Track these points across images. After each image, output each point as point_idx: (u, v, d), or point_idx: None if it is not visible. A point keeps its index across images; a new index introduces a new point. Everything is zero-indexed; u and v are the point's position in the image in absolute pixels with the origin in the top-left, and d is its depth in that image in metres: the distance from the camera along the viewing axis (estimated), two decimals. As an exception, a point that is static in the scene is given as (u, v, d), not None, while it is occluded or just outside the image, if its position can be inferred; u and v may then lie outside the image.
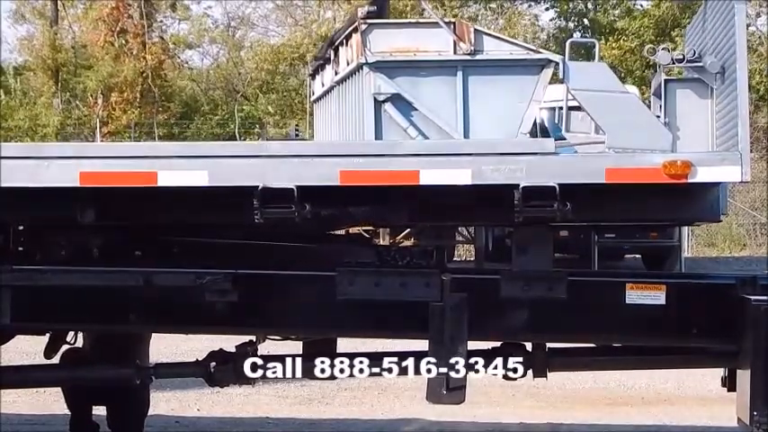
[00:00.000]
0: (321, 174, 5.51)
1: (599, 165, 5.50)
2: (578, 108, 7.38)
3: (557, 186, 5.38)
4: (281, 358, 6.24)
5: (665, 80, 6.69)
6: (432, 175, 5.47)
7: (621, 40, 35.36)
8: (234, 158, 5.62)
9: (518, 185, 5.41)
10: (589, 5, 39.32)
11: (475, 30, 6.61)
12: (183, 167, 5.57)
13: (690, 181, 5.44)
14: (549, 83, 6.59)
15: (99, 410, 7.50)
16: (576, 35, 38.20)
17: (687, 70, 6.73)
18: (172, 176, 5.55)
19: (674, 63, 6.62)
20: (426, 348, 5.90)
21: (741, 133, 5.54)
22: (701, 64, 6.45)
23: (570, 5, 38.91)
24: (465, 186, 5.48)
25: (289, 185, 5.47)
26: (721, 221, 8.38)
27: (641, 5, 38.17)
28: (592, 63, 7.58)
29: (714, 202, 5.93)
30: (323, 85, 8.11)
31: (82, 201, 5.78)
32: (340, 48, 7.32)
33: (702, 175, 5.43)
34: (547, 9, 39.79)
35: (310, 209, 5.53)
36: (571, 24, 39.10)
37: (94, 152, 5.86)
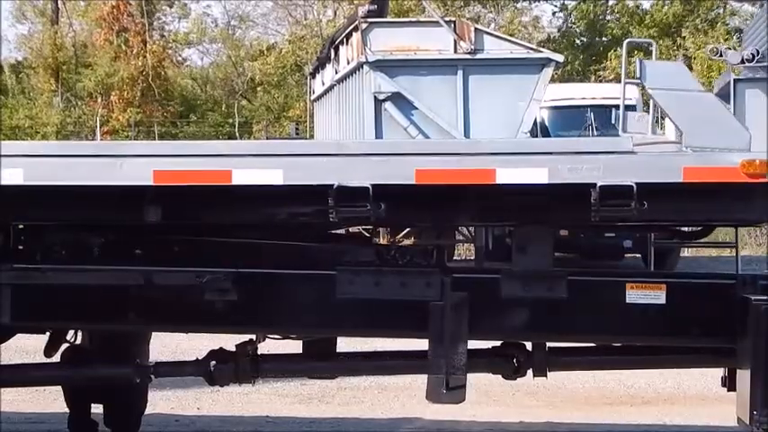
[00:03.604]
0: (397, 172, 5.41)
1: (677, 164, 5.44)
2: (634, 108, 7.25)
3: (634, 185, 5.33)
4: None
5: (735, 80, 6.62)
6: (508, 174, 5.38)
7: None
8: (309, 157, 5.53)
9: (595, 184, 5.34)
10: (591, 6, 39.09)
11: (475, 29, 6.61)
12: (257, 166, 5.48)
13: None
14: (556, 81, 6.57)
15: (97, 408, 7.49)
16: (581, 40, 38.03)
17: (751, 70, 6.64)
18: (247, 175, 5.46)
19: (743, 63, 6.55)
20: (426, 348, 5.90)
21: None
22: None
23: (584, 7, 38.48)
24: (540, 186, 5.41)
25: (364, 184, 5.40)
26: None
27: (642, 2, 38.05)
28: (669, 62, 7.51)
29: None
30: (323, 83, 8.12)
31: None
32: (340, 47, 7.32)
33: None
34: (554, 14, 39.56)
35: (385, 208, 5.44)
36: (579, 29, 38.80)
37: (168, 150, 5.77)
